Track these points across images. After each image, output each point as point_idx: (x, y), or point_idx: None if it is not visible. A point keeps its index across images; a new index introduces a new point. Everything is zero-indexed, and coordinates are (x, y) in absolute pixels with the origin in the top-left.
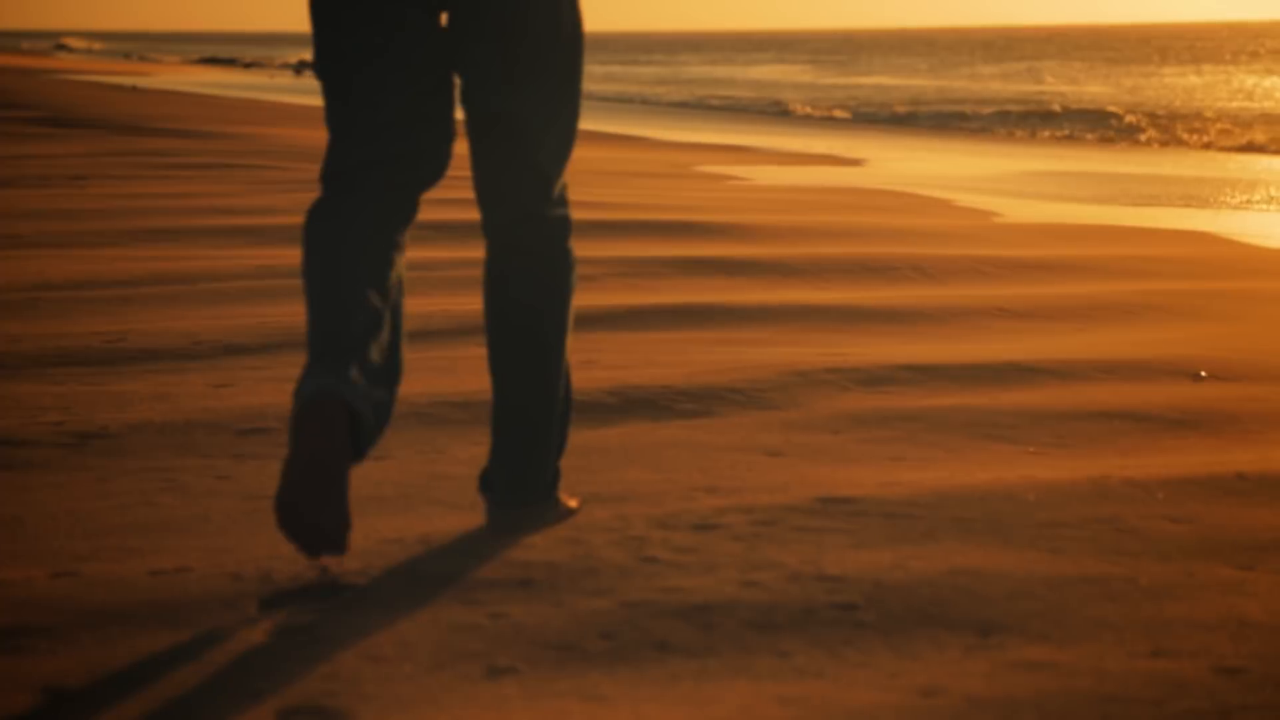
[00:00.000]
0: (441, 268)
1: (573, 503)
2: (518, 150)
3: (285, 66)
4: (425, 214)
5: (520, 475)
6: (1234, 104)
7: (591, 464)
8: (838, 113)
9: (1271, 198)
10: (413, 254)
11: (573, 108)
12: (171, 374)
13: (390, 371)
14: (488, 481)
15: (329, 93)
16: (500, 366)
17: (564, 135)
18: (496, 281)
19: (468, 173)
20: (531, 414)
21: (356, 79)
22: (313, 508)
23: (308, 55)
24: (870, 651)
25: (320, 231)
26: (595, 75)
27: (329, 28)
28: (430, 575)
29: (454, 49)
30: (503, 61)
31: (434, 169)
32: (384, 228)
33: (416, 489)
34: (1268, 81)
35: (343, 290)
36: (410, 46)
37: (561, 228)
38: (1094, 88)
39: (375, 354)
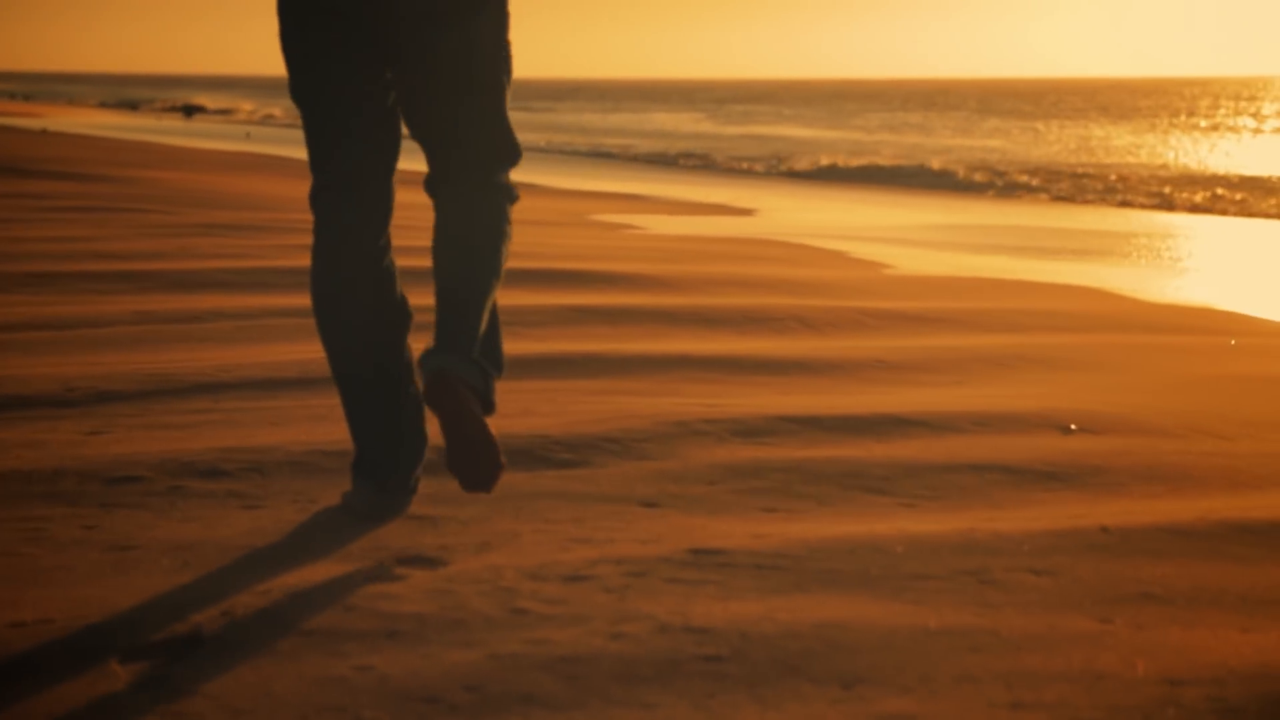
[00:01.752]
0: None
1: (502, 459)
2: (461, 147)
3: (175, 109)
4: (308, 260)
5: (454, 334)
6: (1128, 160)
7: (465, 514)
8: (744, 164)
9: (1152, 252)
10: (292, 301)
11: (504, 120)
12: (43, 421)
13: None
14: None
15: (306, 131)
16: (442, 280)
17: (502, 137)
18: (443, 232)
19: None
20: (464, 296)
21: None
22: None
23: (198, 98)
24: (735, 704)
25: (343, 313)
26: None
27: (297, 77)
28: (297, 626)
29: (400, 90)
30: (433, 107)
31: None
32: (381, 230)
33: (287, 539)
34: (1151, 138)
35: (385, 409)
36: (363, 93)
37: (500, 195)
38: (979, 140)
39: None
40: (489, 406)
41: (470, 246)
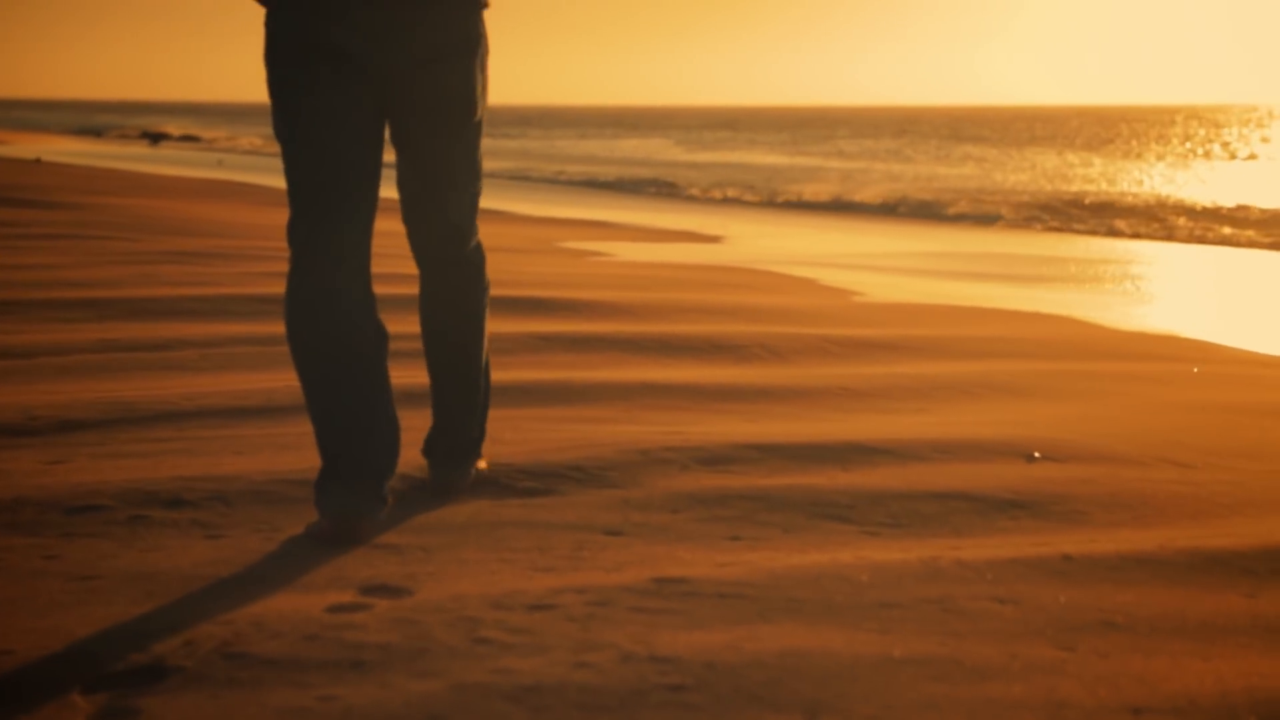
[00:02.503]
0: (285, 342)
1: (482, 464)
2: (440, 214)
3: (143, 136)
4: (272, 288)
5: (452, 445)
6: (1098, 187)
7: (429, 543)
8: (714, 192)
9: (1117, 279)
10: (256, 329)
11: (477, 171)
12: (4, 450)
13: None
14: (430, 448)
15: (293, 166)
16: (435, 368)
17: (474, 195)
18: (429, 308)
19: None
20: (460, 399)
21: (318, 154)
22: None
23: (166, 125)
24: None
25: (320, 326)
26: None
27: (291, 115)
28: (260, 657)
29: (393, 132)
30: (430, 143)
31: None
32: (362, 274)
33: (250, 569)
34: (1119, 165)
35: (354, 398)
36: (357, 132)
37: (476, 263)
38: (953, 169)
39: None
40: (477, 461)
41: (462, 344)
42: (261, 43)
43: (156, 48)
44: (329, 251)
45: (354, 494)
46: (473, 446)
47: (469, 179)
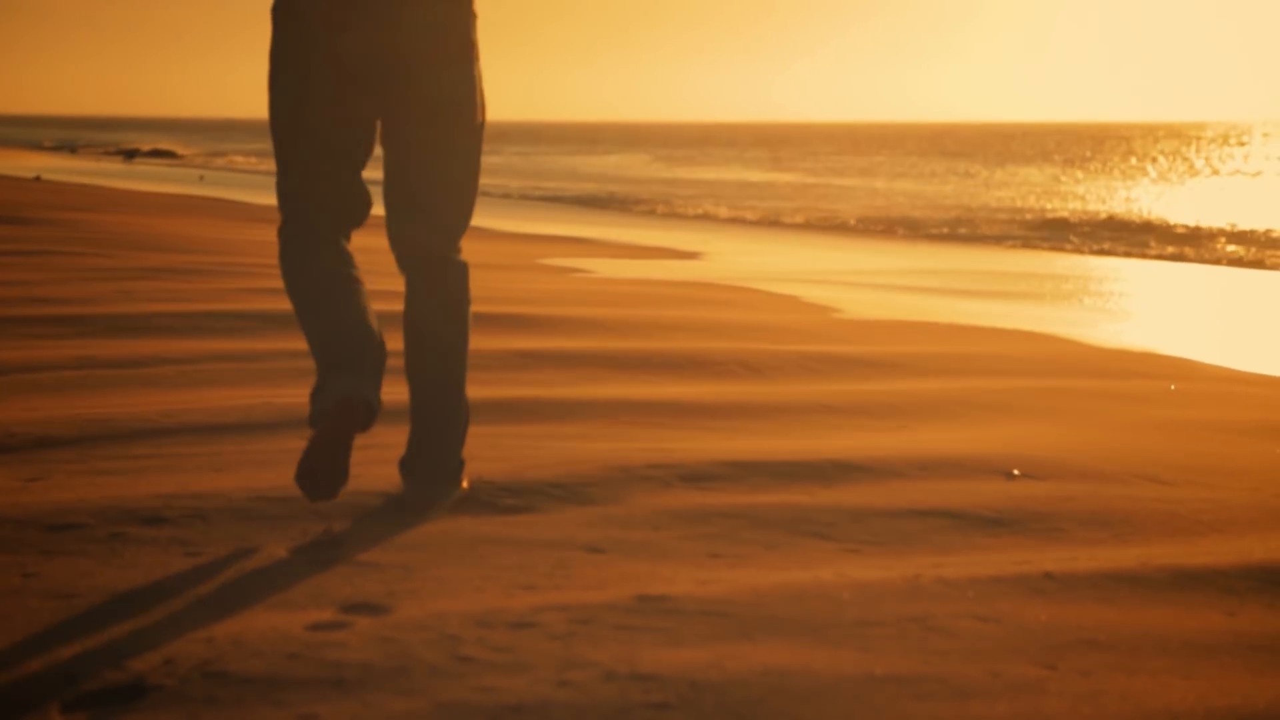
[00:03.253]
0: (264, 359)
1: (464, 484)
2: (431, 217)
3: (118, 152)
4: (248, 304)
5: (433, 460)
6: (1080, 204)
7: (409, 561)
8: (693, 208)
9: (1096, 296)
10: (234, 345)
11: (475, 181)
12: None
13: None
14: (408, 466)
15: (285, 169)
16: (416, 378)
17: (468, 202)
18: (415, 311)
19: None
20: (442, 412)
21: (309, 159)
22: (327, 476)
23: (148, 141)
24: None
25: (311, 268)
26: None
27: (289, 124)
28: (240, 675)
29: (385, 137)
30: (423, 151)
31: (360, 216)
32: (345, 258)
33: (229, 586)
34: (1106, 183)
35: (348, 312)
36: (355, 140)
37: (460, 272)
38: (934, 186)
39: (377, 360)
40: (460, 475)
41: (446, 350)
42: (236, 58)
43: (130, 64)
44: (317, 228)
45: (357, 378)
46: (454, 465)
47: (466, 183)
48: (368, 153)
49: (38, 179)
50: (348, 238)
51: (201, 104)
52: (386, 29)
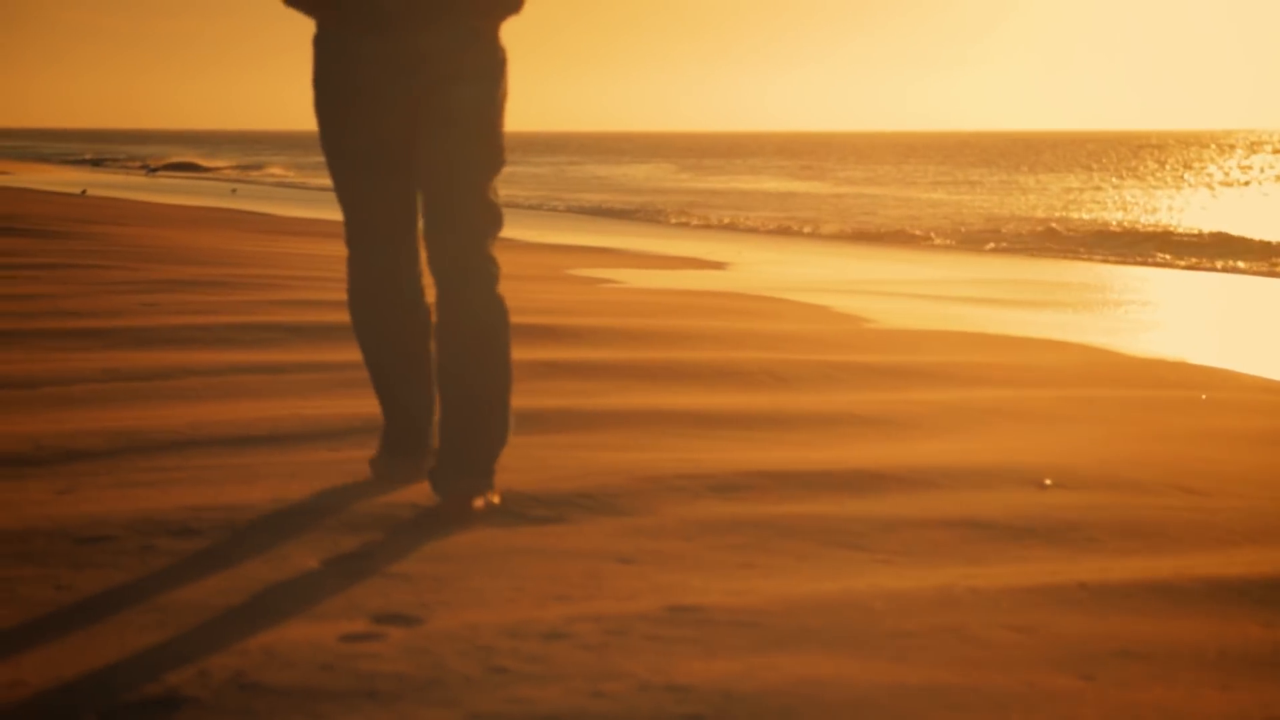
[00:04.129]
0: (292, 370)
1: (495, 497)
2: (456, 226)
3: (144, 167)
4: (276, 316)
5: (462, 454)
6: (1112, 215)
7: (441, 571)
8: (721, 218)
9: (1128, 305)
10: (261, 357)
11: (494, 190)
12: (12, 480)
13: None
14: (437, 463)
15: (339, 189)
16: (443, 381)
17: (492, 210)
18: (440, 322)
19: (317, 274)
20: (469, 414)
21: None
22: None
23: (186, 154)
24: None
25: (376, 332)
26: None
27: (333, 146)
28: (274, 687)
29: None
30: (448, 162)
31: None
32: (411, 259)
33: (261, 598)
34: (1134, 192)
35: (418, 389)
36: (393, 159)
37: (487, 279)
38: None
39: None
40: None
41: (481, 347)
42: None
43: (135, 77)
44: (383, 258)
45: (407, 460)
46: (485, 463)
47: (486, 209)
48: (411, 168)
49: (84, 193)
50: (412, 252)
51: (208, 117)
52: (406, 52)
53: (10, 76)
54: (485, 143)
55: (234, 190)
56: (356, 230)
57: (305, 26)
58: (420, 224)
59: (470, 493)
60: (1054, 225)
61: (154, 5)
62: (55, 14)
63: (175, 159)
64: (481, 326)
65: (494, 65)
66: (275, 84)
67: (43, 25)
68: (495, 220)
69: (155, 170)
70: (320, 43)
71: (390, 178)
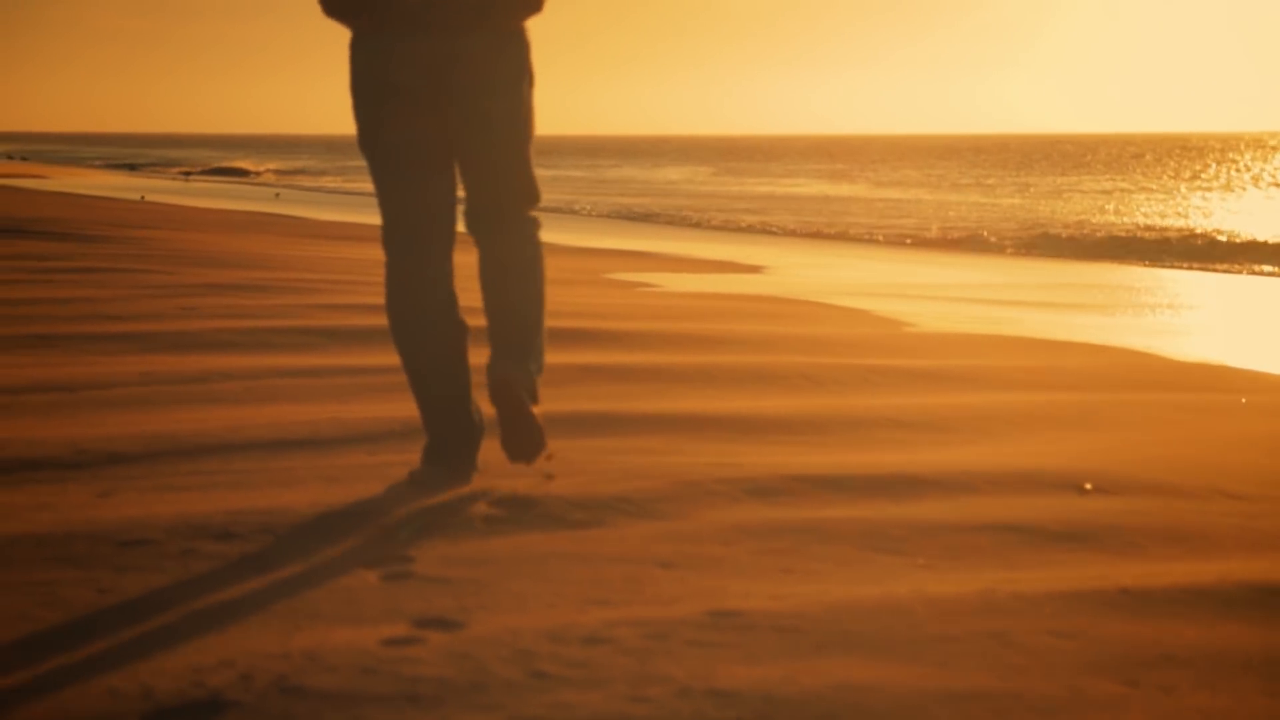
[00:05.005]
0: (330, 374)
1: (536, 409)
2: (505, 199)
3: (182, 174)
4: (314, 320)
5: (511, 344)
6: (1146, 218)
7: (480, 576)
8: (758, 221)
9: (1168, 308)
10: (299, 361)
11: (531, 166)
12: (53, 484)
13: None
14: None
15: (378, 190)
16: (494, 293)
17: (531, 185)
18: (491, 254)
19: (355, 278)
20: (519, 313)
21: (394, 175)
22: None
23: (237, 159)
24: None
25: (414, 331)
26: None
27: (371, 145)
28: (317, 691)
29: (456, 146)
30: (480, 163)
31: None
32: (444, 261)
33: (302, 602)
34: (1167, 197)
35: (455, 393)
36: (429, 160)
37: (528, 225)
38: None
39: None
40: (535, 398)
41: (517, 273)
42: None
43: (183, 81)
44: (419, 263)
45: (452, 471)
46: (523, 351)
47: (524, 188)
48: (448, 171)
49: (142, 199)
50: (448, 258)
51: (236, 121)
52: (445, 58)
53: (36, 81)
54: (515, 148)
55: (277, 195)
56: (394, 233)
57: (338, 27)
58: (459, 227)
59: (512, 374)
60: (1096, 229)
61: (179, 8)
62: (77, 15)
63: (221, 164)
64: (523, 259)
65: (524, 63)
66: (305, 87)
67: (64, 29)
68: (534, 194)
69: (190, 175)
70: (357, 46)
71: (427, 179)
